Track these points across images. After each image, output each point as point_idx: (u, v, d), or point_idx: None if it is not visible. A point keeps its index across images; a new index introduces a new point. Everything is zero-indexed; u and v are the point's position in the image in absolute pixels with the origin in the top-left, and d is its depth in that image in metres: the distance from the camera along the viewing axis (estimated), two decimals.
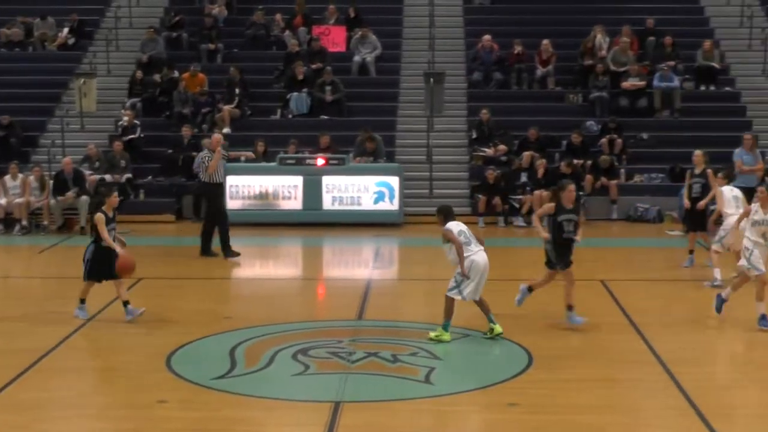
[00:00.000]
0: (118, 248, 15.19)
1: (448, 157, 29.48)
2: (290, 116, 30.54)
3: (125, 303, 15.54)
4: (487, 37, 31.94)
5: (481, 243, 14.81)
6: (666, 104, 30.48)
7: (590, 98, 30.78)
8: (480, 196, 26.52)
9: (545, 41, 31.69)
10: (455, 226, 14.61)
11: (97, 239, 15.40)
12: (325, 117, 30.23)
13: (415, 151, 29.37)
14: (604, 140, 28.36)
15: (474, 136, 29.28)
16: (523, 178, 27.45)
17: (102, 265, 15.41)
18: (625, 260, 21.99)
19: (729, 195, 18.67)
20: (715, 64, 31.82)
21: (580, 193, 26.56)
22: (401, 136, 30.22)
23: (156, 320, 15.85)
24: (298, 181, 26.14)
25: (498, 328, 14.61)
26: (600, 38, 32.15)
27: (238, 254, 21.48)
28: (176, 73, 31.13)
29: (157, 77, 31.26)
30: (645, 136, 29.62)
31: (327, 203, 26.25)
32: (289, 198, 25.94)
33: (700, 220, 20.21)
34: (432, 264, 20.40)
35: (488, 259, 14.62)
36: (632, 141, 29.21)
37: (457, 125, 30.68)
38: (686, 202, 20.49)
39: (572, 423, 11.27)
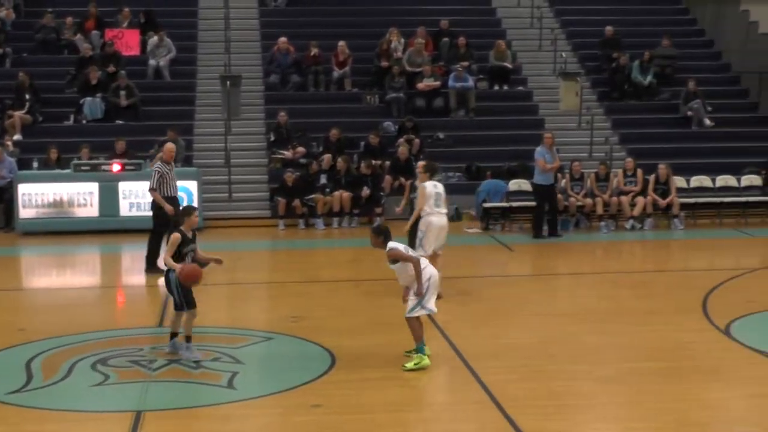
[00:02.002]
0: (177, 267, 13.95)
1: (247, 161, 29.37)
2: (84, 122, 29.98)
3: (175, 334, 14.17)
4: (283, 39, 31.96)
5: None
6: (461, 104, 31.04)
7: (387, 99, 31.08)
8: (279, 198, 26.46)
9: (341, 43, 31.88)
10: (399, 244, 13.43)
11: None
12: (121, 122, 29.78)
13: (213, 155, 29.20)
14: (401, 140, 28.61)
15: (272, 138, 29.22)
16: (323, 179, 27.51)
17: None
18: None
19: (432, 191, 17.13)
20: (508, 64, 32.55)
21: (381, 194, 26.86)
22: (199, 140, 29.97)
23: None
24: (93, 187, 25.61)
25: (426, 351, 13.41)
26: (395, 40, 32.48)
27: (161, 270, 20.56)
28: None
29: None
30: (441, 135, 30.04)
31: (124, 209, 25.75)
32: (85, 205, 25.41)
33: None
34: (232, 269, 20.26)
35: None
36: (429, 141, 29.58)
37: (255, 128, 30.61)
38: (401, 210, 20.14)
39: (375, 421, 11.32)
